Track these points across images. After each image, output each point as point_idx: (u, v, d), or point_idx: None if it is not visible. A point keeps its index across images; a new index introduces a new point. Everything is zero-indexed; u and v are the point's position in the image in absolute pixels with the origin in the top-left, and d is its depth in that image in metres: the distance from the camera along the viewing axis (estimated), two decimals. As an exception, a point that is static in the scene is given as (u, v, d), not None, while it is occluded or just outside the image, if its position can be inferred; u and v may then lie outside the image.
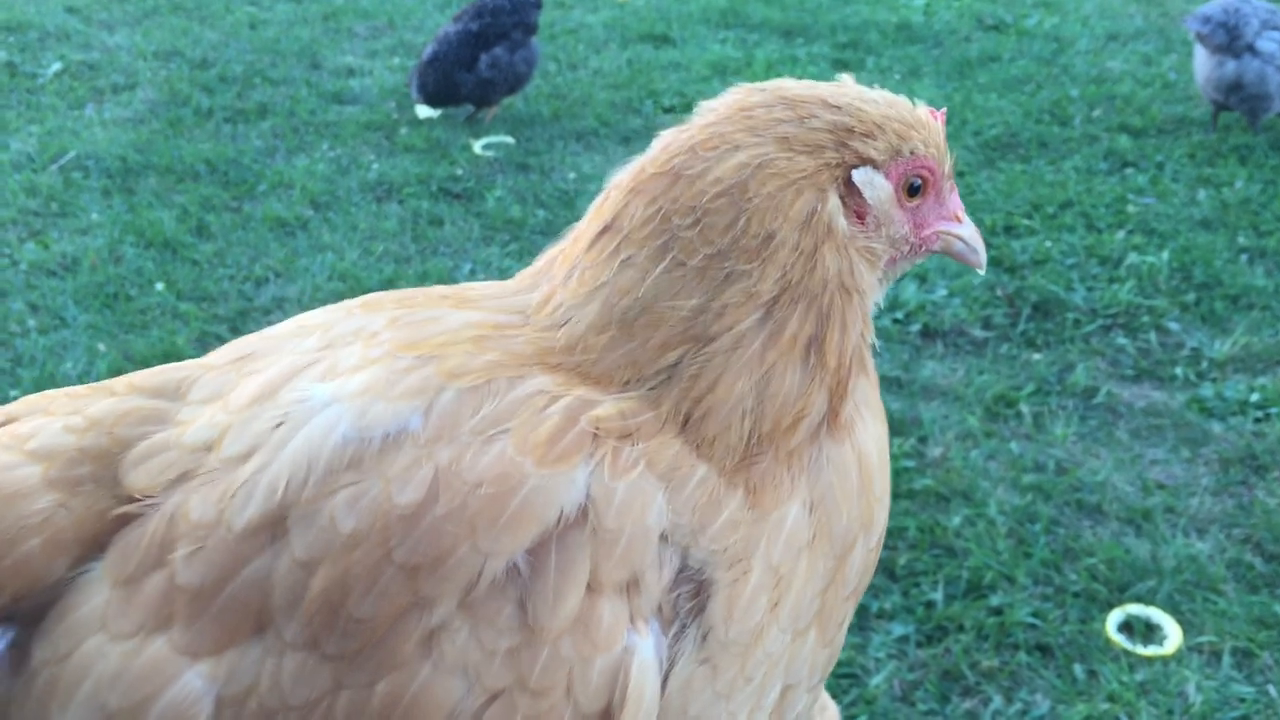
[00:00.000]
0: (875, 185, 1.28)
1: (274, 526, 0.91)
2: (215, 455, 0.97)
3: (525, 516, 0.91)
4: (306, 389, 1.04)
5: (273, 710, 0.87)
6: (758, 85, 1.34)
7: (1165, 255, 5.37)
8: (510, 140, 6.99)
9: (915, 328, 4.90)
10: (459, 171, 6.52)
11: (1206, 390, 4.42)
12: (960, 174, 6.39)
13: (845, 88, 1.32)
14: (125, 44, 8.59)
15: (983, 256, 1.43)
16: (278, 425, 0.98)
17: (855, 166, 1.26)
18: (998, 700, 3.07)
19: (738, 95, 1.32)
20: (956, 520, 3.71)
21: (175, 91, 7.67)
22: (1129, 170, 6.42)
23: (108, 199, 6.09)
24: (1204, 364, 4.60)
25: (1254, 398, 4.34)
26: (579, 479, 0.94)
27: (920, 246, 1.38)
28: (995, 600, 3.39)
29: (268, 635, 0.88)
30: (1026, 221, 5.80)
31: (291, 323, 1.22)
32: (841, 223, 1.24)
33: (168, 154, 6.61)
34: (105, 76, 7.97)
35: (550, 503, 0.92)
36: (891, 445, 4.05)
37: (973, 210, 5.90)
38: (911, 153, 1.30)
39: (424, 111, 7.22)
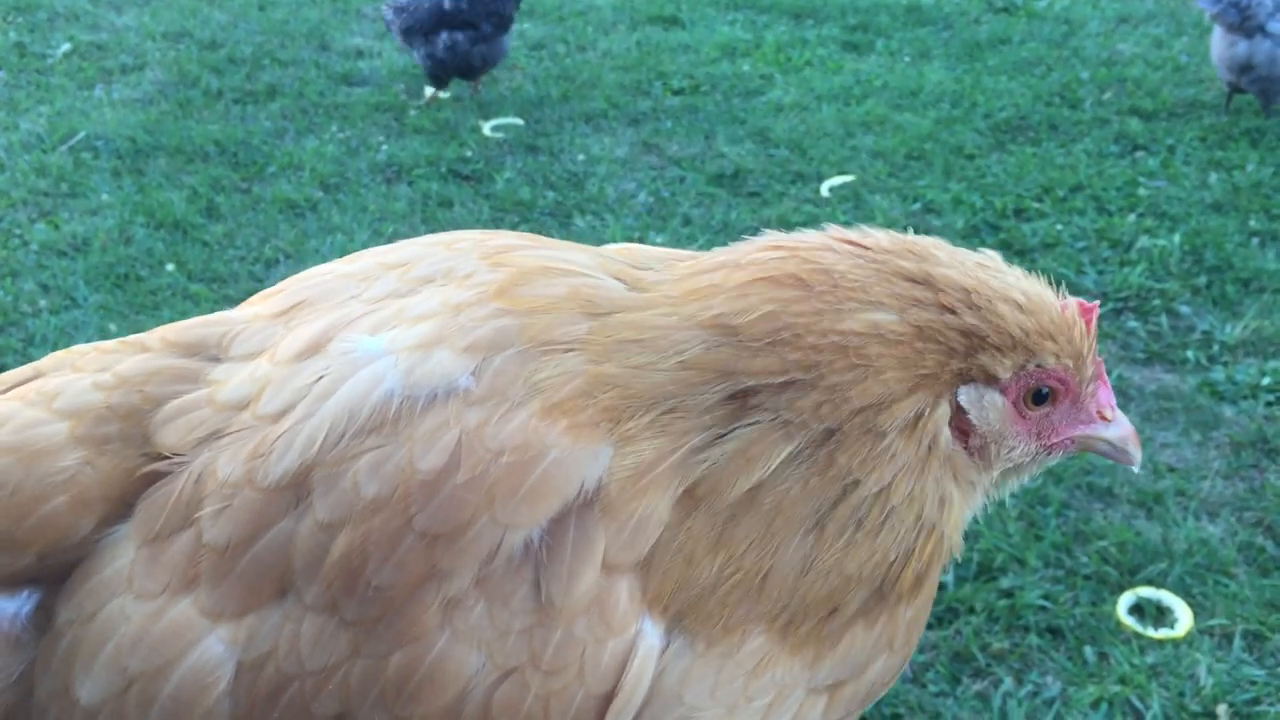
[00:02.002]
0: (985, 404, 1.18)
1: (299, 486, 0.90)
2: (250, 412, 0.96)
3: (545, 489, 0.90)
4: (356, 341, 1.01)
5: (290, 676, 0.87)
6: (910, 242, 1.22)
7: (1176, 238, 5.35)
8: (519, 122, 6.97)
9: (926, 310, 4.89)
10: (468, 153, 6.51)
11: (1218, 374, 4.41)
12: (970, 157, 6.38)
13: (991, 274, 1.19)
14: (134, 25, 8.57)
15: (1136, 455, 1.30)
16: (318, 379, 0.96)
17: (972, 382, 1.16)
18: (1008, 682, 3.08)
19: (888, 243, 1.21)
20: (967, 503, 3.71)
21: (184, 72, 7.66)
22: (1140, 153, 6.39)
23: (118, 180, 6.09)
24: (1215, 347, 4.59)
25: (1265, 381, 4.33)
26: (603, 453, 0.93)
27: (1048, 452, 1.27)
28: (1006, 583, 3.40)
29: (289, 599, 0.87)
30: (1037, 204, 5.79)
31: (370, 259, 1.15)
32: (946, 435, 1.14)
33: (177, 135, 6.60)
34: (114, 57, 7.96)
35: (572, 476, 0.91)
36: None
37: (983, 193, 5.89)
38: (1038, 365, 1.18)
39: (430, 92, 7.21)
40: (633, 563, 0.91)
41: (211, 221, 5.69)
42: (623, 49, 8.20)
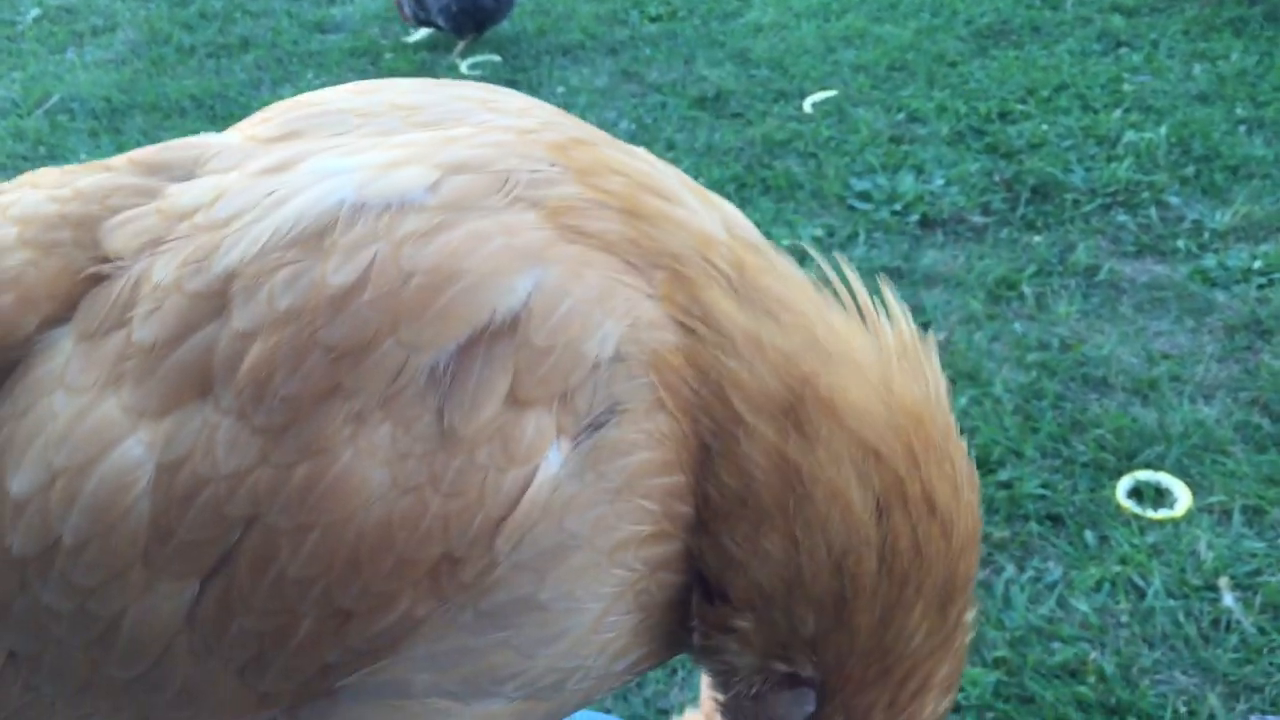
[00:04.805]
0: None
1: (223, 294, 0.89)
2: (197, 219, 0.95)
3: (452, 315, 0.88)
4: (327, 159, 0.96)
5: (205, 479, 0.87)
6: None
7: (1163, 131, 5.31)
8: (497, 58, 6.90)
9: (914, 218, 4.87)
10: (447, 92, 6.45)
11: (1209, 261, 4.40)
12: (953, 64, 6.32)
13: None
14: (102, -14, 8.47)
15: None
16: (273, 192, 0.93)
17: None
18: (1010, 569, 3.09)
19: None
20: (963, 400, 3.71)
21: (156, 30, 7.58)
22: (1123, 50, 6.33)
23: (95, 140, 6.04)
24: (1206, 235, 4.57)
25: (1256, 265, 4.32)
26: (520, 286, 0.91)
27: None
28: (1004, 475, 3.40)
29: (207, 403, 0.87)
30: (1021, 107, 5.74)
31: (383, 96, 1.08)
32: None
33: (152, 92, 6.55)
34: (84, 20, 7.87)
35: (481, 304, 0.89)
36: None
37: (967, 99, 5.85)
38: None
39: (413, 35, 7.13)
40: (548, 396, 0.89)
41: (192, 174, 5.65)
42: (597, -20, 8.11)
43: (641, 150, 1.10)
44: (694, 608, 1.03)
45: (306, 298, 0.86)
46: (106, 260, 0.94)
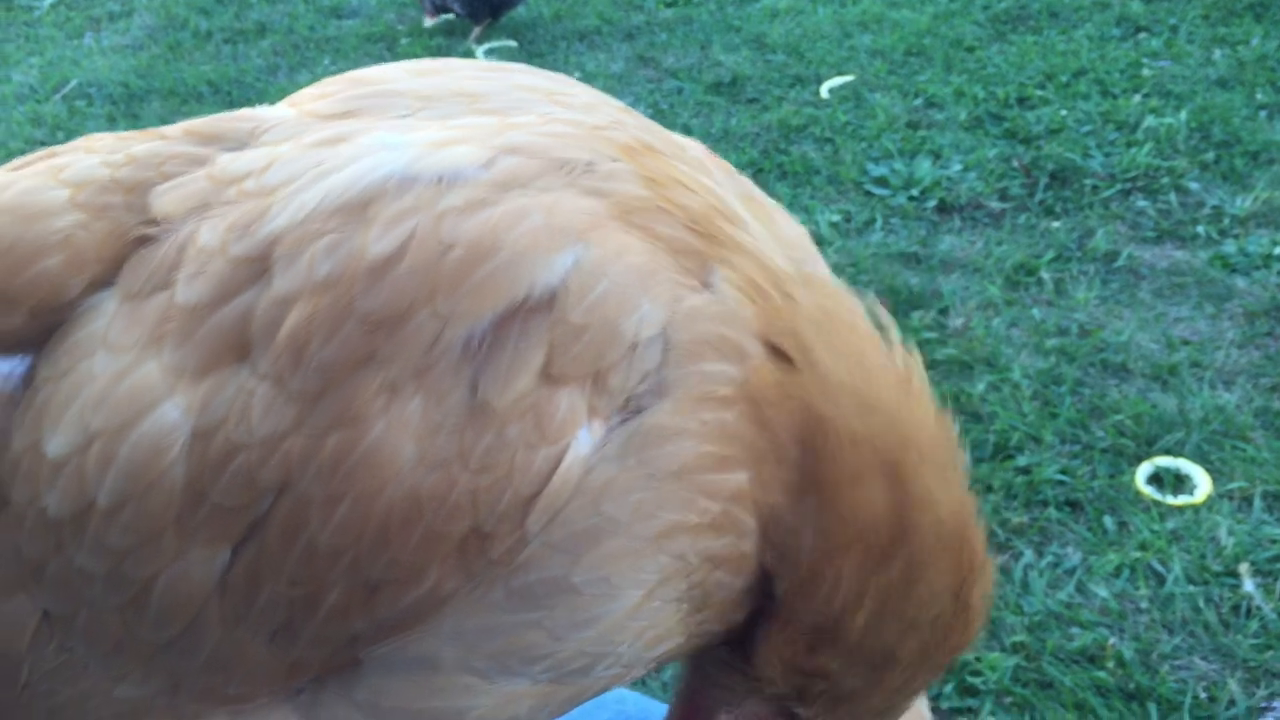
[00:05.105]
0: None
1: (265, 260, 0.89)
2: (248, 184, 0.94)
3: (490, 288, 0.87)
4: (384, 135, 0.95)
5: (238, 445, 0.87)
6: None
7: (1183, 116, 5.28)
8: (513, 44, 6.90)
9: (931, 203, 4.85)
10: (463, 77, 6.45)
11: (1229, 246, 4.37)
12: (970, 49, 6.29)
13: None
14: (118, -28, 8.49)
15: None
16: (323, 162, 0.92)
17: None
18: (1029, 554, 3.09)
19: None
20: (981, 386, 3.70)
21: (172, 15, 7.59)
22: (1142, 35, 6.29)
23: (113, 125, 6.06)
24: (1226, 221, 4.55)
25: (1277, 250, 4.29)
26: (559, 263, 0.90)
27: None
28: (1023, 460, 3.40)
29: (244, 368, 0.87)
30: (1040, 92, 5.71)
31: (445, 80, 1.07)
32: None
33: (169, 77, 6.56)
34: (101, 5, 7.89)
35: (520, 278, 0.89)
36: (911, 318, 4.05)
37: (984, 84, 5.83)
38: None
39: (429, 21, 7.13)
40: (582, 375, 0.89)
41: (210, 160, 5.67)
42: (613, -35, 8.08)
43: (694, 144, 1.09)
44: (756, 629, 1.05)
45: (346, 266, 0.86)
46: (154, 223, 0.94)
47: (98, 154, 1.00)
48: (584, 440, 0.88)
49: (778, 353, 0.96)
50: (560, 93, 1.08)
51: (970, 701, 2.73)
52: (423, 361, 0.85)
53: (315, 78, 6.44)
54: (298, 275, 0.86)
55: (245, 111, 1.05)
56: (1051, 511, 3.22)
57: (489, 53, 6.78)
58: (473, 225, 0.86)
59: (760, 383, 0.94)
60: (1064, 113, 5.46)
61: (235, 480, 0.87)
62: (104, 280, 0.94)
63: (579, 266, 0.87)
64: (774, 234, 1.05)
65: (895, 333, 1.06)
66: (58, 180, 0.98)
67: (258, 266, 0.87)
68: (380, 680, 0.95)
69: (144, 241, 0.93)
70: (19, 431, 0.92)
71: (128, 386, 0.88)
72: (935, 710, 2.73)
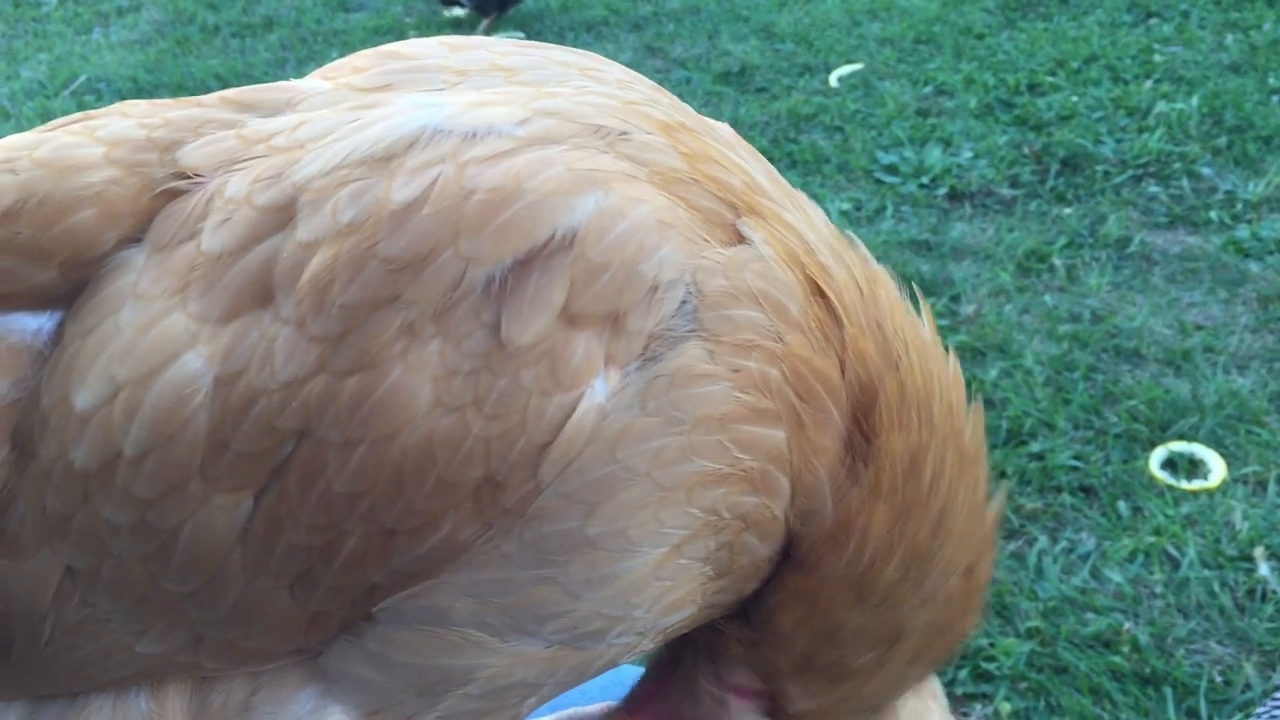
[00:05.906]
0: None
1: (290, 208, 0.90)
2: (278, 140, 0.95)
3: (512, 230, 0.88)
4: (421, 96, 0.96)
5: (260, 390, 0.87)
6: None
7: (1195, 101, 5.26)
8: (521, 35, 6.89)
9: (942, 190, 4.83)
10: (471, 69, 6.45)
11: (1242, 231, 4.35)
12: (980, 36, 6.27)
13: None
14: (126, -33, 8.50)
15: None
16: (357, 119, 0.92)
17: None
18: (1043, 540, 3.08)
19: None
20: (993, 373, 3.69)
21: (180, 10, 7.60)
22: (1153, 20, 6.26)
23: (122, 120, 6.07)
24: (1238, 206, 4.53)
25: (1291, 235, 4.28)
26: (580, 206, 0.90)
27: None
28: (1036, 446, 3.39)
29: (267, 312, 0.88)
30: (1050, 78, 5.68)
31: (484, 54, 1.07)
32: None
33: (178, 72, 6.57)
34: (109, 1, 7.89)
35: (542, 221, 0.89)
36: (924, 305, 4.04)
37: (995, 71, 5.80)
38: None
39: (450, 13, 7.12)
40: (601, 315, 0.88)
41: (219, 153, 5.68)
42: (620, -44, 8.08)
43: (723, 127, 1.09)
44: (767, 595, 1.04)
45: (370, 211, 0.86)
46: (184, 176, 0.94)
47: (133, 117, 1.01)
48: (599, 389, 0.88)
49: (823, 313, 0.96)
50: (594, 69, 1.08)
51: (985, 687, 2.72)
52: (443, 302, 0.85)
53: (324, 70, 6.42)
54: (322, 221, 0.86)
55: (282, 84, 1.05)
56: (1065, 497, 3.21)
57: (497, 44, 6.78)
58: (496, 172, 0.87)
59: (802, 342, 0.94)
60: (1075, 99, 5.44)
61: (256, 426, 0.87)
62: (135, 235, 0.94)
63: (600, 208, 0.87)
64: (805, 213, 1.06)
65: (930, 315, 1.07)
66: (93, 138, 0.98)
67: (283, 215, 0.88)
68: (393, 631, 0.95)
69: (173, 195, 0.93)
70: (48, 387, 0.92)
71: (153, 336, 0.89)
72: (950, 696, 2.72)
